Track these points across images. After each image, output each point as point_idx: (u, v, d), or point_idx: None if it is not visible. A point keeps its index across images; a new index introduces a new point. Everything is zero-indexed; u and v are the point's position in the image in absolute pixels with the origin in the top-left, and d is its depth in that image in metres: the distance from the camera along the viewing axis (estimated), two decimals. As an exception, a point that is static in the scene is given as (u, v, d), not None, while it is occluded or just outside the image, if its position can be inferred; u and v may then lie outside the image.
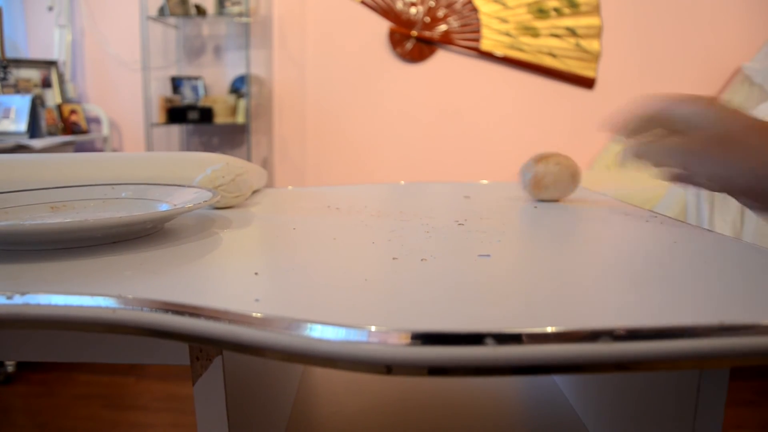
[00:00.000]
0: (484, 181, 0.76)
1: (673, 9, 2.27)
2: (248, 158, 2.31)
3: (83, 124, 2.33)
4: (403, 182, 0.75)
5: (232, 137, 2.53)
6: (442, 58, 2.37)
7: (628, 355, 0.22)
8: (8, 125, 1.99)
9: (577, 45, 2.30)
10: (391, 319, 0.24)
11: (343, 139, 2.47)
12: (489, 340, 0.22)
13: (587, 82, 2.32)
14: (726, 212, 1.47)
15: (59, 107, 2.25)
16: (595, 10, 2.27)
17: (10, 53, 2.26)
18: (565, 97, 2.36)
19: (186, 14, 2.26)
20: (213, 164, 0.54)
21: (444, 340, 0.22)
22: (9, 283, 0.29)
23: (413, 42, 2.35)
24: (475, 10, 2.31)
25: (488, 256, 0.34)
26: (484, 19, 2.31)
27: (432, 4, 2.32)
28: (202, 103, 2.36)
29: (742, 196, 0.39)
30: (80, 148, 2.35)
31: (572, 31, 2.29)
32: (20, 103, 2.02)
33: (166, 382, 1.62)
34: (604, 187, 1.82)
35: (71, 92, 2.39)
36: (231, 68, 2.46)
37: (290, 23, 2.41)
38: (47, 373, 1.67)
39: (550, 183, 0.56)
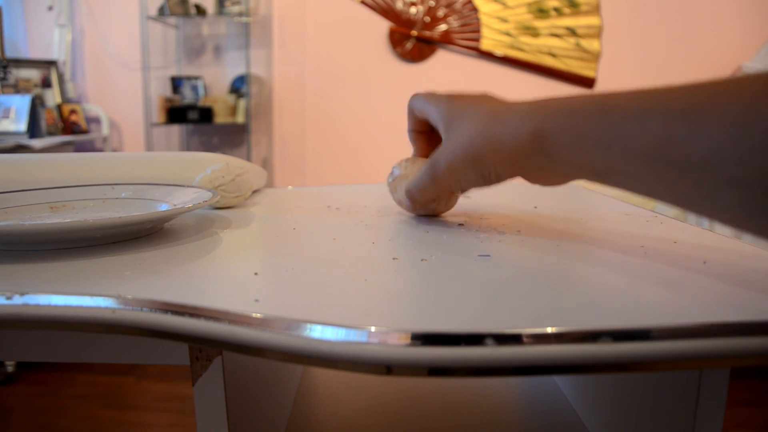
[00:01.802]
0: (484, 181, 0.76)
1: (673, 9, 2.27)
2: (248, 158, 2.31)
3: (83, 124, 2.33)
4: (403, 182, 0.75)
5: (232, 137, 2.53)
6: (442, 57, 2.37)
7: (628, 355, 0.22)
8: (8, 125, 1.99)
9: (577, 45, 2.30)
10: (391, 319, 0.24)
11: (343, 139, 2.47)
12: (489, 340, 0.22)
13: (587, 82, 2.32)
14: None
15: (59, 107, 2.25)
16: (595, 10, 2.27)
17: (10, 53, 2.26)
18: (565, 96, 2.36)
19: (186, 14, 2.26)
20: (213, 164, 0.54)
21: (444, 340, 0.22)
22: (9, 283, 0.29)
23: (413, 42, 2.35)
24: (475, 9, 2.31)
25: (488, 256, 0.34)
26: (484, 19, 2.31)
27: (432, 3, 2.32)
28: (202, 103, 2.36)
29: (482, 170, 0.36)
30: (80, 148, 2.35)
31: (572, 31, 2.29)
32: (20, 103, 2.02)
33: (166, 382, 1.62)
34: (603, 187, 1.82)
35: (71, 92, 2.39)
36: (231, 68, 2.46)
37: (290, 23, 2.41)
38: (47, 373, 1.67)
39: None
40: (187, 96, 2.41)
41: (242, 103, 2.33)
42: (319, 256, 0.35)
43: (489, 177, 0.36)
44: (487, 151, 0.35)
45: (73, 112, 2.29)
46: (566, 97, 0.32)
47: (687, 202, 0.27)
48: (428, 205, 0.45)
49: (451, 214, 0.49)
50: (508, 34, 2.32)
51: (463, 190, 0.41)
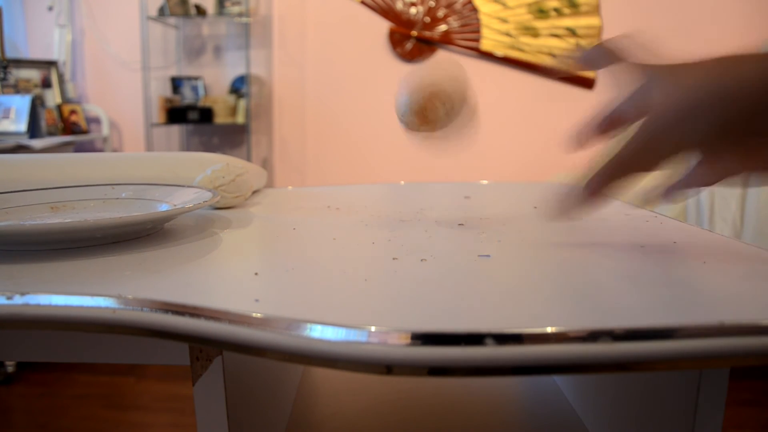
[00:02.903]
0: (484, 181, 0.76)
1: (673, 9, 2.27)
2: (248, 158, 2.31)
3: (83, 124, 2.33)
4: (403, 182, 0.75)
5: (232, 137, 2.53)
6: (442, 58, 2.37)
7: (628, 355, 0.22)
8: (8, 125, 1.99)
9: (577, 45, 2.30)
10: (391, 319, 0.24)
11: (343, 139, 2.47)
12: (489, 340, 0.22)
13: (587, 82, 2.32)
14: (726, 212, 1.47)
15: (59, 107, 2.25)
16: (595, 10, 2.27)
17: (10, 53, 2.26)
18: (565, 97, 2.36)
19: (186, 14, 2.26)
20: (213, 164, 0.54)
21: (444, 340, 0.22)
22: (9, 283, 0.29)
23: (413, 42, 2.35)
24: (475, 10, 2.31)
25: (488, 256, 0.34)
26: (484, 19, 2.31)
27: (432, 4, 2.32)
28: (202, 103, 2.35)
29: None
30: (80, 148, 2.35)
31: (572, 32, 2.29)
32: (20, 103, 2.02)
33: (166, 382, 1.62)
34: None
35: (71, 92, 2.39)
36: (231, 68, 2.46)
37: (290, 23, 2.41)
38: (47, 373, 1.67)
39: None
40: (187, 96, 2.41)
41: (242, 103, 2.33)
42: (319, 256, 0.35)
43: (733, 127, 0.29)
44: (736, 90, 0.29)
45: (73, 112, 2.29)
46: None
47: None
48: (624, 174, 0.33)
49: (451, 214, 0.49)
50: (508, 34, 2.32)
51: (682, 151, 0.31)
